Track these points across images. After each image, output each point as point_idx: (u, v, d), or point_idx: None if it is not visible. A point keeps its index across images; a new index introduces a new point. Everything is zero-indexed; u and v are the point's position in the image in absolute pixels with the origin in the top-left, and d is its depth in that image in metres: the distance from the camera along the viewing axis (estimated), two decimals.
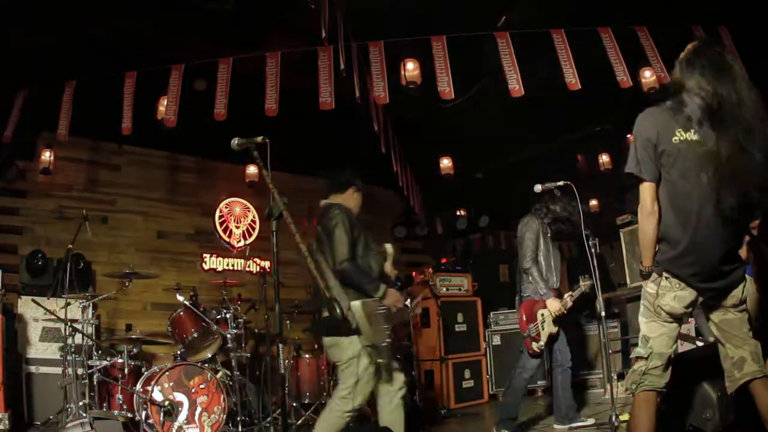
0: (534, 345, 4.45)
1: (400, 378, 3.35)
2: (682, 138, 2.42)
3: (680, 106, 2.44)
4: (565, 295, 4.53)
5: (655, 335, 2.58)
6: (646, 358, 2.57)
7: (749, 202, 2.43)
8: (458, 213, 9.35)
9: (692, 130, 2.41)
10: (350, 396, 3.13)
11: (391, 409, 3.27)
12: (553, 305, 4.43)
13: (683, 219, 2.46)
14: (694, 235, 2.44)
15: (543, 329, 4.46)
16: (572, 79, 5.09)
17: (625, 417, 3.87)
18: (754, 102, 2.37)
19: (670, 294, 2.52)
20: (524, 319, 4.52)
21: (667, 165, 2.45)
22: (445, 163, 7.77)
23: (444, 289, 7.04)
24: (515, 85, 5.07)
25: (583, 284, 4.48)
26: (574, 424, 4.42)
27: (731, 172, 2.33)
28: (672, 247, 2.50)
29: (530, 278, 4.51)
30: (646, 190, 2.50)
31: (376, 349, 3.13)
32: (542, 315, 4.48)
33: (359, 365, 3.14)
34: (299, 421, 5.46)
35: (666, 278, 2.53)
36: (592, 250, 4.05)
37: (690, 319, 5.11)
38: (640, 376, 2.58)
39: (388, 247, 3.75)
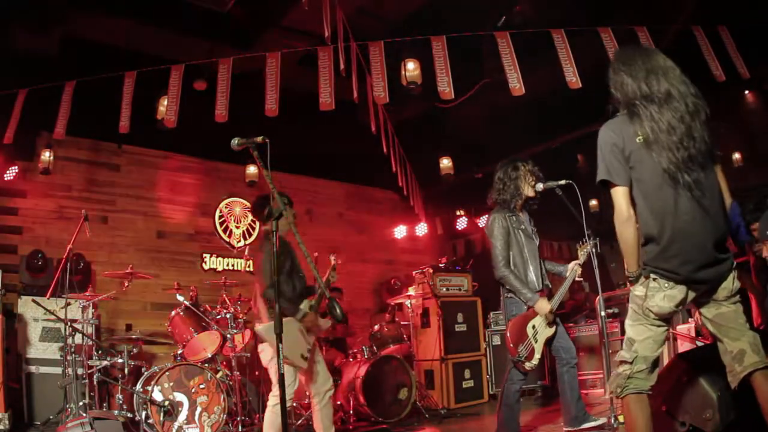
0: (527, 365, 3.88)
1: (328, 381, 3.94)
2: (643, 137, 2.49)
3: (631, 112, 2.54)
4: (570, 265, 4.17)
5: (641, 338, 2.56)
6: (631, 363, 2.55)
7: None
8: (458, 213, 9.35)
9: (648, 129, 2.49)
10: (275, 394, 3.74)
11: (321, 407, 3.85)
12: (542, 307, 3.90)
13: (661, 213, 2.47)
14: (675, 224, 2.44)
15: (537, 342, 3.92)
16: (573, 78, 5.09)
17: (624, 418, 3.84)
18: (686, 95, 2.47)
19: (659, 294, 2.50)
20: (511, 344, 3.88)
21: (637, 165, 2.50)
22: (445, 163, 7.77)
23: (444, 289, 7.04)
24: (516, 84, 5.06)
25: (582, 252, 4.10)
26: (586, 425, 4.08)
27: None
28: (656, 243, 2.50)
29: (508, 287, 3.98)
30: (620, 194, 2.54)
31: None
32: (533, 327, 3.94)
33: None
34: (299, 421, 5.46)
35: (654, 279, 2.51)
36: (593, 250, 4.03)
37: (690, 319, 5.11)
38: (625, 380, 2.56)
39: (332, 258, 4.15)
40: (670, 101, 2.47)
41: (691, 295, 2.51)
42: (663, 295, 2.49)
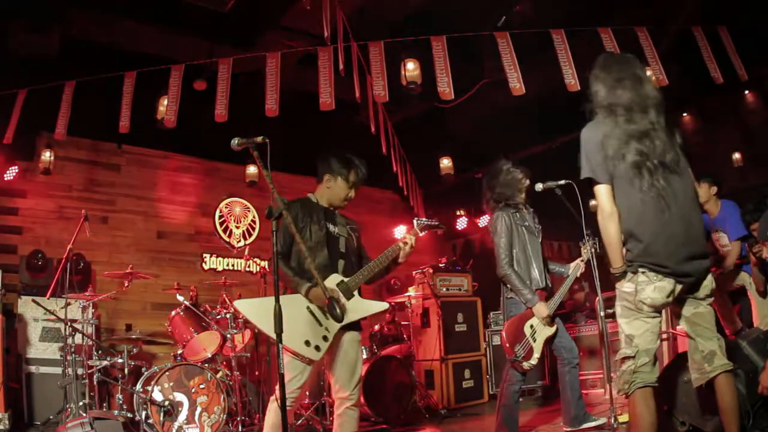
0: (525, 364, 3.85)
1: (346, 388, 3.22)
2: (623, 137, 2.59)
3: (610, 114, 2.64)
4: (573, 264, 4.23)
5: (640, 332, 2.62)
6: (634, 357, 2.61)
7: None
8: (458, 213, 9.35)
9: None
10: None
11: (336, 416, 3.22)
12: (541, 311, 3.89)
13: (640, 212, 2.56)
14: (654, 224, 2.54)
15: (535, 341, 3.90)
16: (572, 80, 5.09)
17: (624, 418, 3.83)
18: (650, 106, 2.60)
19: (649, 287, 2.56)
20: (507, 344, 3.86)
21: (618, 163, 2.59)
22: (445, 163, 7.77)
23: (444, 289, 7.03)
24: (516, 84, 5.07)
25: (585, 250, 4.09)
26: (586, 425, 4.08)
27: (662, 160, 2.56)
28: (640, 240, 2.58)
29: (510, 286, 3.99)
30: (602, 192, 2.65)
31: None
32: (531, 327, 3.93)
33: None
34: (299, 421, 5.46)
35: (642, 273, 2.59)
36: (592, 250, 4.02)
37: None
38: (631, 375, 2.61)
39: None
40: (631, 111, 2.59)
41: (678, 288, 2.58)
42: (653, 287, 2.56)
